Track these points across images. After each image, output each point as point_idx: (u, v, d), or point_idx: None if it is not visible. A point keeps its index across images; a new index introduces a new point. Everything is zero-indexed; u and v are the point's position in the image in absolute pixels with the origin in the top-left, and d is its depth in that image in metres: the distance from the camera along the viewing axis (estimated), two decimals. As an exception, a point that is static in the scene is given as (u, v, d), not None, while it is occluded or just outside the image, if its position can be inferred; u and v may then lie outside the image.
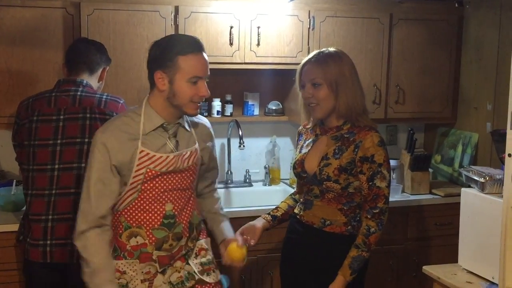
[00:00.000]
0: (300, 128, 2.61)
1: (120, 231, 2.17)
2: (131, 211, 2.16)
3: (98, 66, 2.70)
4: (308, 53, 3.43)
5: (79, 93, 2.57)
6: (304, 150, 2.47)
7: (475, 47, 3.67)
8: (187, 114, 2.19)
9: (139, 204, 2.15)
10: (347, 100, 2.33)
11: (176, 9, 3.21)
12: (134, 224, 2.15)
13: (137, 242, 2.15)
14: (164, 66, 2.07)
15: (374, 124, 2.41)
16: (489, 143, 3.46)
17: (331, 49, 2.41)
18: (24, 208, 2.63)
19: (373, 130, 2.36)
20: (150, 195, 2.15)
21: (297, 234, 2.49)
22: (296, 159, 2.49)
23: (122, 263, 2.16)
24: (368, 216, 2.32)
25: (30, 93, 2.71)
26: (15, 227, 2.73)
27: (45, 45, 3.06)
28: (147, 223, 2.15)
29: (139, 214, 2.15)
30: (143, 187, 2.13)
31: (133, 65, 3.18)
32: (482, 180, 2.79)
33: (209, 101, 3.54)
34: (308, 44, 3.43)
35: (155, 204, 2.16)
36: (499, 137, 2.89)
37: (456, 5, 3.72)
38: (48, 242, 2.48)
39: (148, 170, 2.11)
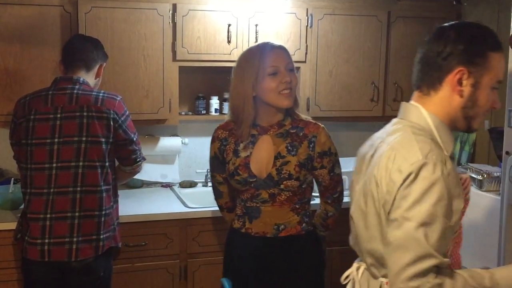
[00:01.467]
0: (220, 131, 2.44)
1: None
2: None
3: (95, 63, 2.69)
4: (306, 51, 3.44)
5: (75, 91, 2.57)
6: (244, 154, 2.34)
7: (473, 44, 3.67)
8: (468, 131, 1.65)
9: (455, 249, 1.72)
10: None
11: (174, 6, 3.21)
12: None
13: None
14: (471, 62, 1.52)
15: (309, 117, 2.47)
16: (487, 140, 3.46)
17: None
18: (22, 206, 2.62)
19: (318, 123, 2.40)
20: (457, 239, 1.72)
21: (248, 251, 2.37)
22: (237, 164, 2.34)
23: None
24: (328, 201, 2.46)
25: (28, 91, 2.71)
26: (12, 226, 2.72)
27: (43, 43, 3.05)
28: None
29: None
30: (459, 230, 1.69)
31: (131, 63, 3.18)
32: (480, 177, 2.79)
33: (207, 99, 3.54)
34: (306, 42, 3.43)
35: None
36: (497, 134, 2.89)
37: (454, 2, 3.71)
38: (46, 240, 2.47)
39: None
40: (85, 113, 2.52)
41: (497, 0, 3.44)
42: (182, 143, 3.61)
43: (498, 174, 2.77)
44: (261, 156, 2.32)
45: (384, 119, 3.77)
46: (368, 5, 3.55)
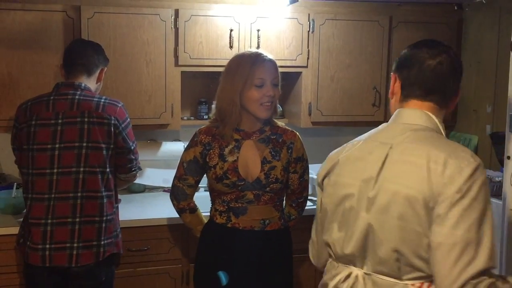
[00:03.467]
0: (203, 136, 2.51)
1: None
2: None
3: (96, 67, 2.70)
4: (308, 56, 3.45)
5: (77, 96, 2.57)
6: (231, 158, 2.43)
7: (475, 49, 3.68)
8: None
9: None
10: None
11: (176, 12, 3.22)
12: None
13: None
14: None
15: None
16: (489, 145, 3.46)
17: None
18: (25, 211, 2.63)
19: (294, 130, 2.55)
20: None
21: (238, 244, 2.44)
22: (226, 168, 2.41)
23: None
24: (293, 205, 2.60)
25: (30, 96, 2.72)
26: (15, 230, 2.72)
27: (46, 49, 3.06)
28: None
29: None
30: None
31: (133, 68, 3.19)
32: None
33: (209, 104, 3.55)
34: (307, 47, 3.43)
35: None
36: (499, 139, 2.89)
37: (456, 8, 3.72)
38: (47, 246, 2.47)
39: None
40: (86, 119, 2.53)
41: (498, 5, 3.45)
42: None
43: (499, 179, 2.77)
44: (248, 160, 2.43)
45: (386, 123, 3.78)
46: (369, 10, 3.55)
